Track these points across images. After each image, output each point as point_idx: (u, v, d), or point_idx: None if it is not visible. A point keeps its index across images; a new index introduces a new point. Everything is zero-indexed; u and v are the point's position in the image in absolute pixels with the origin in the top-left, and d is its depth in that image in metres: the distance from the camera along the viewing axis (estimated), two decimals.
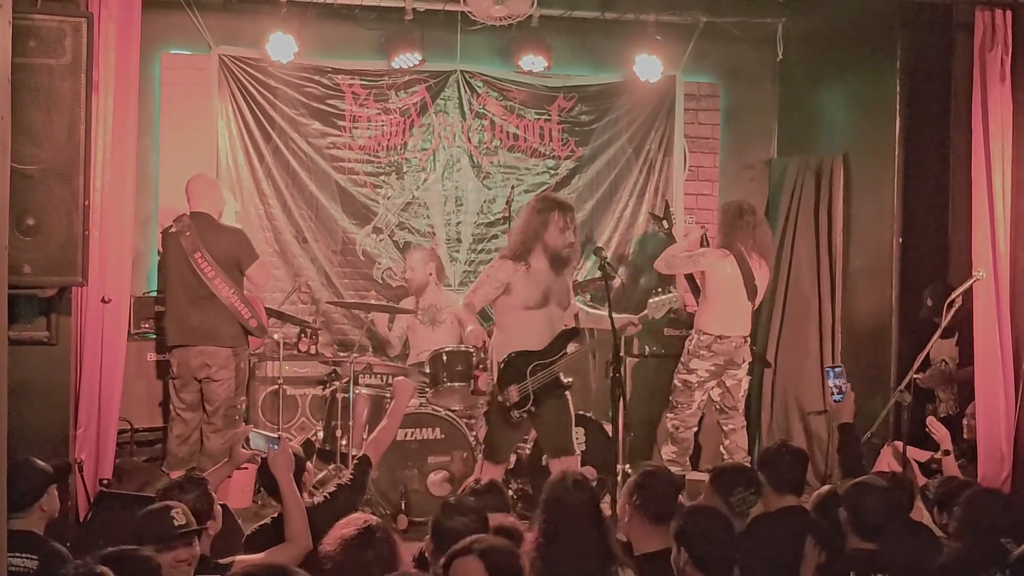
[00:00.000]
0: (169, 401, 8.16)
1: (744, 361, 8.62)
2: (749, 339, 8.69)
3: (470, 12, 8.73)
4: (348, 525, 4.55)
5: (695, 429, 8.75)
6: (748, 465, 6.95)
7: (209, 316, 7.93)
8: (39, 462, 5.25)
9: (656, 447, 9.19)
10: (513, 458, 7.96)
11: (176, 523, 4.75)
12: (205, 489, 5.23)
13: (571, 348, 7.25)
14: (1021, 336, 7.75)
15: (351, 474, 5.76)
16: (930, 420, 7.47)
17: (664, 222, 9.38)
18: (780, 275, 9.62)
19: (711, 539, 4.46)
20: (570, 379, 7.29)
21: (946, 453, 7.36)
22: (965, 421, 7.90)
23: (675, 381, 8.69)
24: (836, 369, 6.43)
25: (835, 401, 6.32)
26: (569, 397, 7.30)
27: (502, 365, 7.21)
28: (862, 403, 8.62)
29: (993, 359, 7.78)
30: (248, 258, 8.10)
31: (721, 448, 8.80)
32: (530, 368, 7.15)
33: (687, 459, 8.71)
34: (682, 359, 8.69)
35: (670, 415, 8.71)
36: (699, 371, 8.55)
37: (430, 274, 9.06)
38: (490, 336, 7.50)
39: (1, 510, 3.93)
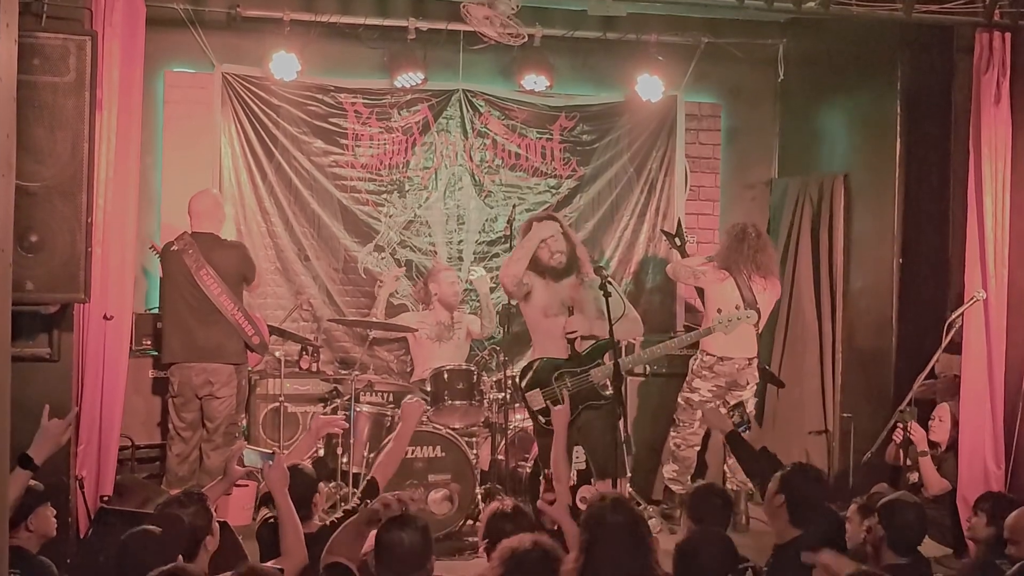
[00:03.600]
0: (168, 419, 8.14)
1: (748, 383, 8.61)
2: (756, 360, 8.68)
3: (480, 32, 8.78)
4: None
5: (697, 448, 8.74)
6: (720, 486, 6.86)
7: (213, 333, 7.92)
8: (31, 481, 5.24)
9: (660, 467, 9.20)
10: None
11: None
12: (203, 504, 5.24)
13: (607, 360, 7.21)
14: (1019, 355, 7.75)
15: (358, 498, 5.76)
16: (910, 425, 7.54)
17: (676, 239, 9.38)
18: (782, 295, 9.63)
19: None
20: (609, 393, 7.19)
21: (923, 454, 7.53)
22: (931, 423, 7.90)
23: (679, 399, 8.71)
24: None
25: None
26: (620, 413, 7.15)
27: (528, 372, 7.21)
28: (863, 422, 8.68)
29: (981, 378, 7.79)
30: (251, 272, 8.19)
31: (724, 467, 8.79)
32: (556, 374, 7.13)
33: (688, 478, 8.68)
34: (687, 378, 8.70)
35: (673, 433, 8.72)
36: (701, 391, 8.56)
37: (456, 293, 9.15)
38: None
39: (3, 526, 3.94)
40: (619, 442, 7.06)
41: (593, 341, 7.42)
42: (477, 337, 9.29)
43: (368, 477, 5.93)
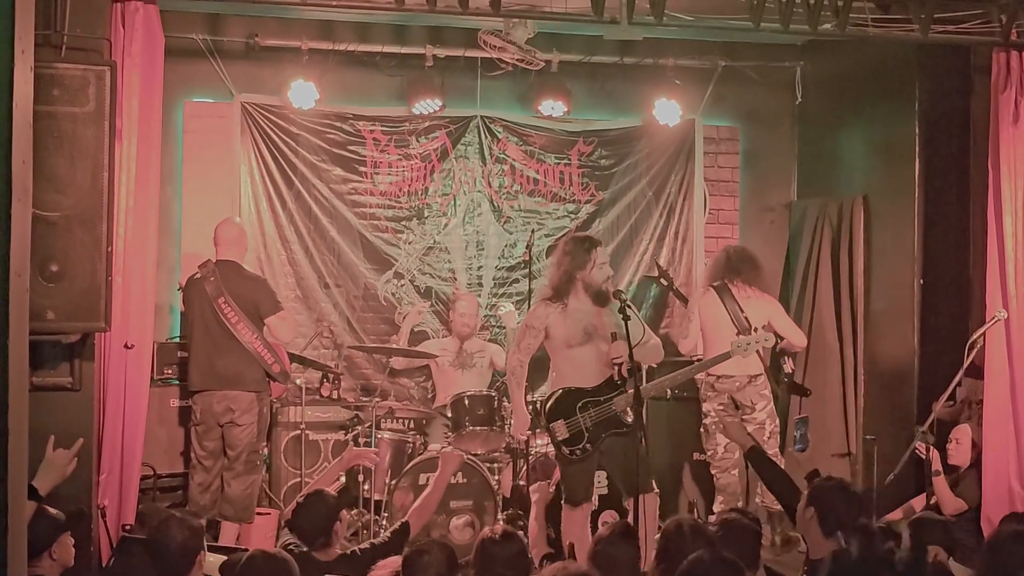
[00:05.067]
0: (190, 448, 8.14)
1: (755, 403, 8.51)
2: (763, 376, 8.57)
3: (497, 59, 8.83)
4: (385, 568, 4.60)
5: (735, 472, 8.59)
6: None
7: (233, 360, 7.90)
8: (51, 510, 5.25)
9: (682, 491, 9.16)
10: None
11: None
12: (196, 522, 5.25)
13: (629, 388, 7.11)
14: None
15: (388, 536, 5.77)
16: (917, 444, 7.52)
17: (662, 280, 9.36)
18: (803, 318, 9.62)
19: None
20: (631, 419, 7.10)
21: (936, 474, 7.51)
22: (949, 446, 7.86)
23: (700, 430, 8.68)
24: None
25: (797, 451, 6.40)
26: (642, 436, 7.19)
27: (550, 402, 7.19)
28: (885, 445, 8.63)
29: (1003, 398, 7.79)
30: (269, 307, 8.04)
31: (759, 489, 8.74)
32: (580, 404, 7.12)
33: (737, 503, 8.46)
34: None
35: (711, 466, 8.67)
36: (711, 413, 8.53)
37: (465, 324, 9.17)
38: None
39: (21, 555, 3.95)
40: (641, 460, 7.05)
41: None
42: (501, 369, 9.23)
43: (403, 520, 5.97)
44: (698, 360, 8.43)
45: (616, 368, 7.14)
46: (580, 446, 7.09)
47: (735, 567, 4.38)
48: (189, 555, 5.02)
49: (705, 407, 8.59)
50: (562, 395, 7.17)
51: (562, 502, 7.31)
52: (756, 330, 7.73)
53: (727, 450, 8.54)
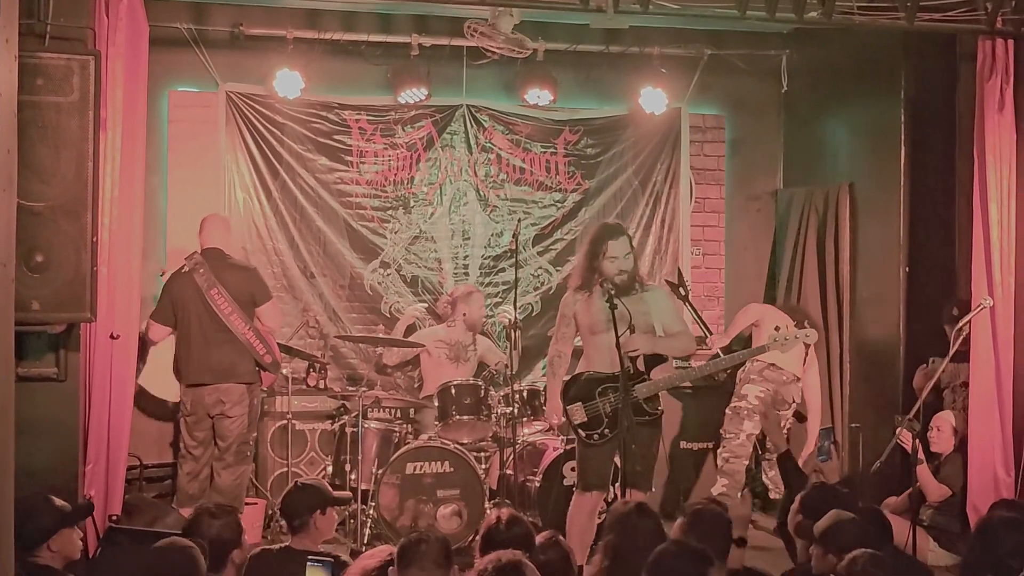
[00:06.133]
0: (179, 438, 8.12)
1: (791, 403, 8.59)
2: (799, 380, 8.65)
3: (483, 47, 8.83)
4: (372, 557, 4.59)
5: (747, 461, 8.59)
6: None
7: (226, 353, 7.89)
8: (58, 501, 5.24)
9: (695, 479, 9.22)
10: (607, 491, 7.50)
11: None
12: (234, 517, 5.23)
13: (655, 375, 7.15)
14: None
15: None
16: (900, 432, 7.54)
17: (680, 288, 9.33)
18: (790, 306, 9.64)
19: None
20: (660, 408, 7.20)
21: (919, 462, 7.45)
22: (930, 434, 7.89)
23: (726, 411, 8.66)
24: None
25: (820, 461, 6.41)
26: (661, 430, 7.18)
27: (570, 383, 7.20)
28: (870, 432, 8.67)
29: (989, 386, 7.81)
30: (262, 295, 8.09)
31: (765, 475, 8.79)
32: (599, 390, 7.12)
33: (739, 493, 8.49)
34: (735, 389, 8.71)
35: (720, 448, 8.66)
36: (749, 397, 8.50)
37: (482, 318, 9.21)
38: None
39: (8, 546, 3.94)
40: (658, 456, 7.18)
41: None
42: (487, 363, 9.18)
43: None
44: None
45: (632, 361, 7.14)
46: (599, 431, 7.08)
47: (702, 556, 4.40)
48: (227, 546, 5.01)
49: (746, 389, 8.56)
50: (585, 378, 7.16)
51: (573, 488, 7.34)
52: (802, 327, 7.68)
53: (748, 439, 8.52)
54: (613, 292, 6.92)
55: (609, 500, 7.45)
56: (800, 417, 9.02)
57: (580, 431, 7.13)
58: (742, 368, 8.61)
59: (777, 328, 7.53)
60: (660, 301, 7.39)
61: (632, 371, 7.02)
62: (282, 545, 5.54)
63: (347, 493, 7.40)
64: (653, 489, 7.39)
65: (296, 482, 5.80)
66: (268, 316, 8.16)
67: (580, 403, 7.11)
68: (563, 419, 7.32)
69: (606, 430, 7.06)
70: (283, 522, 5.69)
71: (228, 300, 7.87)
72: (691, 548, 4.45)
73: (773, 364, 8.48)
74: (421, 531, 4.72)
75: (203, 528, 5.01)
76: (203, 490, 7.93)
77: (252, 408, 8.06)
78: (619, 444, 6.93)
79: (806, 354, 8.67)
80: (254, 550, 5.48)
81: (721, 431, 8.67)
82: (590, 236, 7.40)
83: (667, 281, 9.77)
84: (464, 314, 9.10)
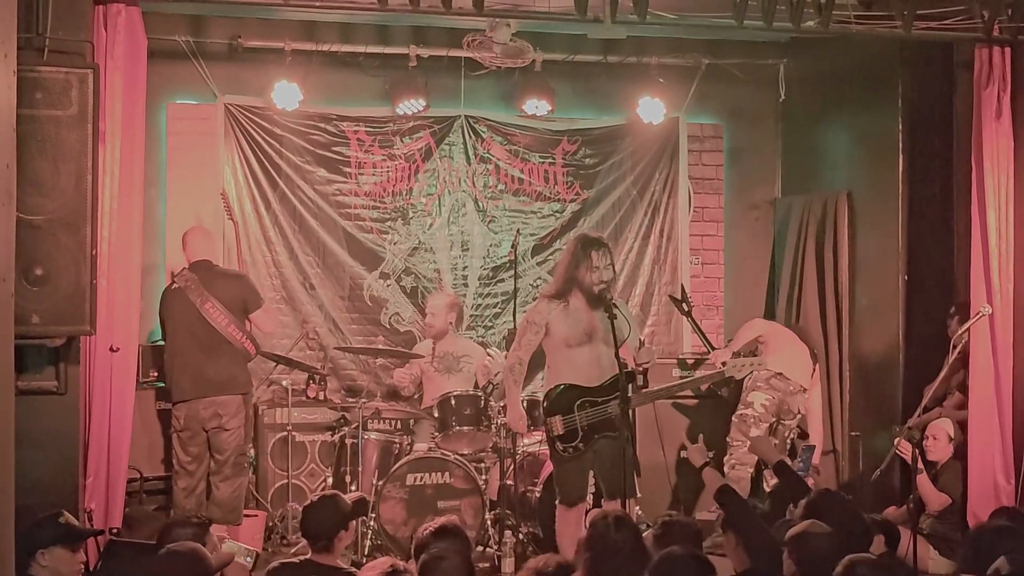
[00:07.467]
0: (172, 453, 8.04)
1: (797, 413, 8.65)
2: (806, 392, 8.70)
3: (481, 57, 8.84)
4: (373, 569, 4.58)
5: (751, 470, 8.64)
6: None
7: (224, 365, 7.88)
8: (68, 518, 5.21)
9: (672, 486, 9.17)
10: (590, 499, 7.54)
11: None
12: (205, 529, 5.23)
13: (631, 394, 7.04)
14: None
15: None
16: (899, 442, 7.55)
17: (684, 304, 9.33)
18: (790, 314, 9.66)
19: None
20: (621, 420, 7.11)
21: (918, 472, 7.41)
22: (927, 443, 7.89)
23: (733, 418, 8.71)
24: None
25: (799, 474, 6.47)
26: (631, 440, 7.20)
27: (551, 396, 7.18)
28: (871, 441, 8.67)
29: (988, 393, 7.82)
30: (254, 301, 8.08)
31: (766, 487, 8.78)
32: (578, 403, 7.11)
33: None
34: (740, 396, 8.75)
35: (727, 456, 8.67)
36: (755, 404, 8.56)
37: (450, 323, 9.04)
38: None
39: (9, 559, 3.94)
40: (628, 465, 7.05)
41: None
42: (488, 377, 9.10)
43: None
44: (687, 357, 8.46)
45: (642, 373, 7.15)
46: (573, 444, 7.10)
47: (706, 565, 4.40)
48: None
49: (752, 396, 8.64)
50: (564, 391, 7.15)
51: (556, 502, 7.33)
52: (753, 354, 7.76)
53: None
54: (611, 299, 6.93)
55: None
56: (803, 434, 9.05)
57: (558, 444, 7.14)
58: (749, 376, 8.60)
59: (737, 354, 7.66)
60: (628, 314, 7.44)
61: (642, 383, 7.06)
62: (303, 558, 5.51)
63: (362, 495, 7.41)
64: (639, 494, 7.40)
65: (312, 500, 5.76)
66: (263, 321, 8.17)
67: (560, 416, 7.11)
68: (528, 428, 7.43)
69: (580, 444, 7.09)
70: (282, 534, 5.65)
71: (223, 311, 7.87)
72: (697, 555, 4.46)
73: (780, 373, 8.52)
74: (443, 547, 4.70)
75: (174, 541, 5.00)
76: (199, 504, 7.88)
77: (247, 419, 8.09)
78: (593, 456, 7.03)
79: (814, 368, 8.70)
80: (273, 563, 5.48)
81: (727, 439, 8.69)
82: (573, 246, 7.35)
83: (670, 296, 9.79)
84: (431, 326, 9.08)
